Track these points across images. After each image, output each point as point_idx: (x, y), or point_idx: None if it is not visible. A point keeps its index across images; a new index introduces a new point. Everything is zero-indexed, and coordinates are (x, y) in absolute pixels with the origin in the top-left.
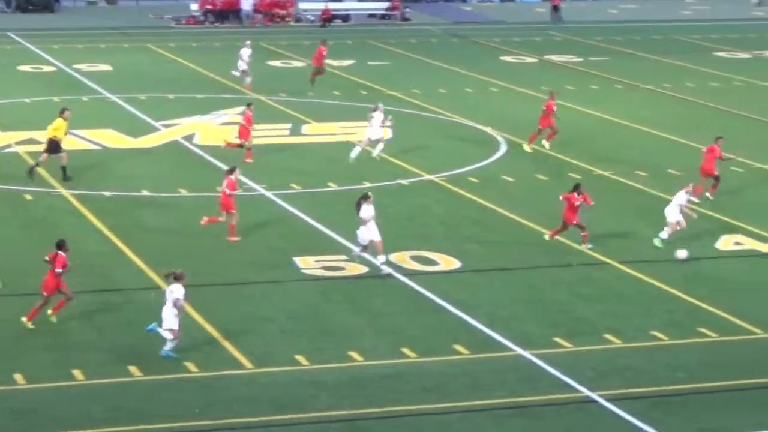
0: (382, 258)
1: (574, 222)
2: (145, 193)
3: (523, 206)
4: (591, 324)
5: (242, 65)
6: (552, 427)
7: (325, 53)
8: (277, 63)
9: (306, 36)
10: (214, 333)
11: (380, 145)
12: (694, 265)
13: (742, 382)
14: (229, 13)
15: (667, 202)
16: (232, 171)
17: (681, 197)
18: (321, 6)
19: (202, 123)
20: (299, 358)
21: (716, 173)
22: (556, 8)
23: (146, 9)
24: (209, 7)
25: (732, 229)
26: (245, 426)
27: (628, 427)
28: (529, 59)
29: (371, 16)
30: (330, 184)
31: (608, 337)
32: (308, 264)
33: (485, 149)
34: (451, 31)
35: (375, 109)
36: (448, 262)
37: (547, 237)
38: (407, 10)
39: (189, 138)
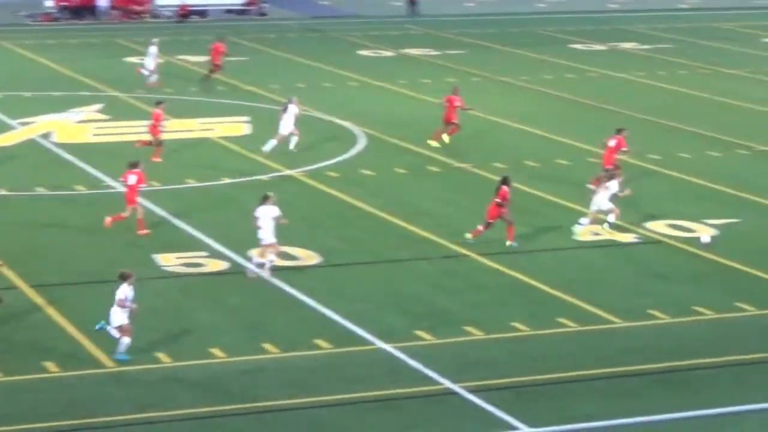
0: (264, 260)
1: (501, 216)
2: (2, 192)
3: (383, 200)
4: (452, 316)
5: (150, 64)
6: (414, 420)
7: (222, 50)
8: (133, 59)
9: (163, 32)
10: (74, 332)
11: (294, 139)
12: (553, 256)
13: (601, 371)
14: (85, 10)
15: (525, 193)
16: (136, 165)
17: (613, 186)
18: (178, 2)
19: (59, 121)
20: (160, 355)
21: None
22: (412, 2)
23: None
24: (65, 3)
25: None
26: (106, 425)
27: (489, 417)
28: (387, 53)
29: (229, 11)
30: (188, 180)
31: (469, 329)
32: (169, 261)
33: (344, 144)
34: (308, 26)
35: (289, 102)
36: (308, 257)
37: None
38: (265, 5)
39: (46, 136)
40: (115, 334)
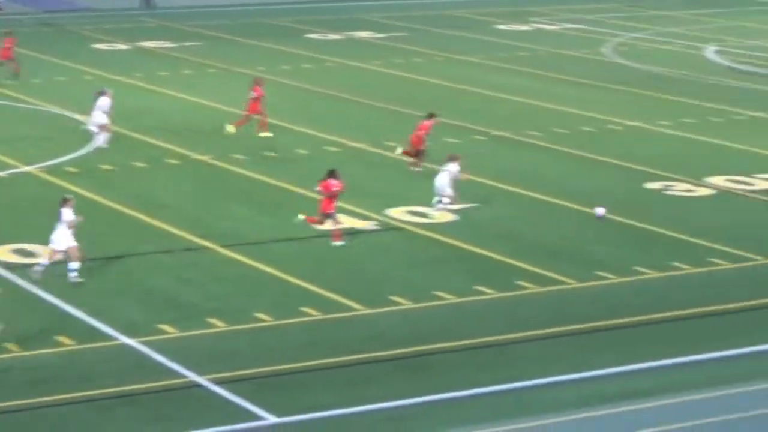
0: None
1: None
2: None
3: (123, 194)
4: (196, 308)
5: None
6: (160, 414)
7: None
8: None
9: None
10: None
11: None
12: (295, 246)
13: (343, 359)
14: None
15: (265, 183)
16: None
17: (453, 168)
18: None
19: None
20: None
21: (422, 147)
22: None
23: None
24: None
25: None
26: None
27: (235, 408)
28: (122, 46)
29: None
30: None
31: (213, 320)
32: None
33: (81, 138)
34: (42, 20)
35: (102, 94)
36: (48, 253)
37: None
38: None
39: None
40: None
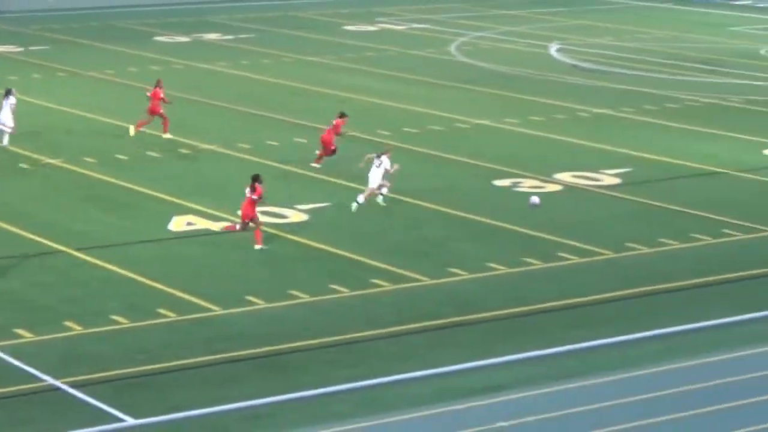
0: None
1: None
2: None
3: None
4: (52, 312)
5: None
6: (16, 418)
7: None
8: None
9: None
10: None
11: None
12: (149, 248)
13: (201, 359)
14: None
15: (117, 185)
16: None
17: (386, 162)
18: None
19: None
20: None
21: (333, 147)
22: None
23: None
24: None
25: (184, 210)
26: None
27: (94, 411)
28: None
29: None
30: None
31: (69, 324)
32: None
33: None
34: None
35: (7, 93)
36: None
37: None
38: None
39: None
40: None
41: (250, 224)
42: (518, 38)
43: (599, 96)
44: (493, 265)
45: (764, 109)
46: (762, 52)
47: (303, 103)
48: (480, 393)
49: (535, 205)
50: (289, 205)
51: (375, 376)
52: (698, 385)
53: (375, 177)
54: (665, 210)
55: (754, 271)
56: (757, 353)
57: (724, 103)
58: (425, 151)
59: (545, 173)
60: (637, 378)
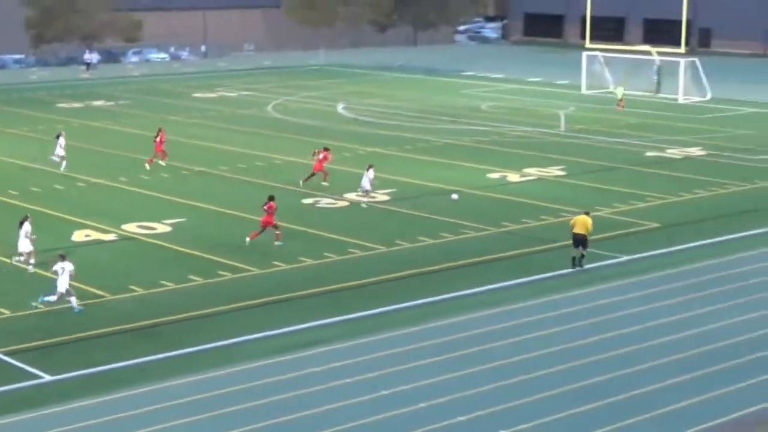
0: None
1: (273, 223)
2: None
3: None
4: None
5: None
6: None
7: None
8: None
9: None
10: None
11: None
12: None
13: (98, 332)
14: None
15: (34, 210)
16: None
17: (371, 173)
18: None
19: None
20: None
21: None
22: None
23: None
24: None
25: (83, 226)
26: None
27: (18, 371)
28: None
29: None
30: None
31: (2, 310)
32: None
33: None
34: None
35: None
36: None
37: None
38: None
39: None
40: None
41: (270, 229)
42: (316, 100)
43: (373, 139)
44: (303, 258)
45: (487, 147)
46: (483, 107)
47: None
48: (303, 347)
49: (455, 200)
50: (158, 220)
51: (228, 338)
52: (442, 340)
53: (364, 181)
54: (421, 217)
55: (483, 258)
56: (473, 317)
57: (458, 143)
58: (253, 180)
59: (338, 193)
60: (406, 334)
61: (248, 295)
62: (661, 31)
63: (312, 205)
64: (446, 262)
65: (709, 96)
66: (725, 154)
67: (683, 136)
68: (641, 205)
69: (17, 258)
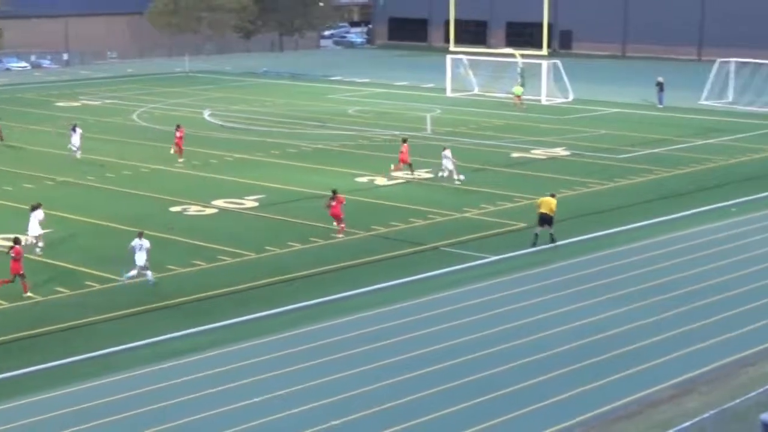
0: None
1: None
2: None
3: None
4: None
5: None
6: None
7: None
8: None
9: None
10: None
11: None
12: None
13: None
14: None
15: None
16: None
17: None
18: None
19: None
20: None
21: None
22: None
23: None
24: None
25: None
26: None
27: None
28: None
29: None
30: None
31: None
32: None
33: None
34: None
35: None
36: None
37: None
38: None
39: None
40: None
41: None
42: (181, 107)
43: (240, 145)
44: (171, 267)
45: (354, 151)
46: (350, 111)
47: (28, 158)
48: (174, 356)
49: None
50: (23, 232)
51: (108, 347)
52: (316, 344)
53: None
54: (291, 222)
55: (354, 262)
56: (346, 321)
57: (326, 147)
58: (120, 189)
59: (205, 201)
60: (278, 339)
61: (119, 305)
62: (523, 34)
63: (180, 212)
64: (317, 267)
65: (571, 97)
66: (588, 153)
67: (547, 137)
68: (509, 205)
69: (29, 240)
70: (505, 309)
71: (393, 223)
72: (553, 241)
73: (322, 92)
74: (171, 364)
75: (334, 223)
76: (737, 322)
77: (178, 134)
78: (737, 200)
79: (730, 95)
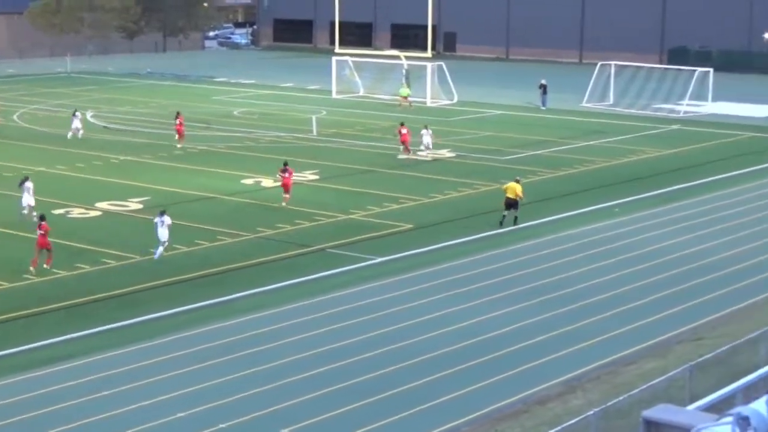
0: None
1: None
2: None
3: None
4: None
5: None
6: None
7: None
8: None
9: None
10: None
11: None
12: None
13: None
14: None
15: None
16: None
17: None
18: None
19: None
20: None
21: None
22: None
23: None
24: None
25: None
26: None
27: None
28: None
29: None
30: None
31: None
32: None
33: None
34: None
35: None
36: None
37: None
38: None
39: None
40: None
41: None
42: (64, 109)
43: (126, 147)
44: (56, 270)
45: (240, 153)
46: (235, 113)
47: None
48: (57, 361)
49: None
50: None
51: None
52: (203, 346)
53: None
54: (176, 225)
55: (240, 264)
56: (235, 323)
57: (212, 149)
58: (3, 192)
59: (89, 203)
60: (165, 342)
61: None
62: (408, 36)
63: (63, 215)
64: (203, 269)
65: (456, 99)
66: (473, 155)
67: (433, 139)
68: (395, 207)
69: (23, 212)
70: (391, 310)
71: (279, 225)
72: (515, 223)
73: (207, 93)
74: (50, 370)
75: (284, 194)
76: (620, 320)
77: (177, 121)
78: (620, 200)
79: (611, 98)
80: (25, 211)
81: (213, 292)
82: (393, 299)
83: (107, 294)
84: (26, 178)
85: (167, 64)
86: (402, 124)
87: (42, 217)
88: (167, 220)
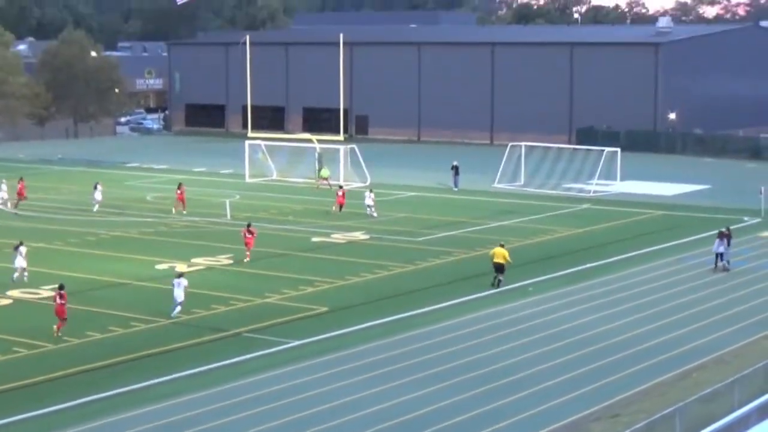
0: None
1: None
2: None
3: None
4: None
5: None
6: None
7: None
8: None
9: None
10: None
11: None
12: None
13: None
14: None
15: None
16: None
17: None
18: None
19: None
20: None
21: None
22: None
23: None
24: None
25: None
26: None
27: None
28: None
29: None
30: None
31: None
32: None
33: None
34: None
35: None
36: None
37: None
38: None
39: None
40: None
41: None
42: None
43: (37, 234)
44: None
45: (154, 238)
46: (148, 198)
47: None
48: None
49: None
50: None
51: None
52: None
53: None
54: (90, 312)
55: (154, 350)
56: (145, 411)
57: (125, 234)
58: None
59: (1, 292)
60: (87, 429)
61: None
62: (320, 120)
63: None
64: (117, 356)
65: (368, 181)
66: (387, 237)
67: (346, 221)
68: (310, 289)
69: (15, 275)
70: (308, 394)
71: (195, 310)
72: (498, 286)
73: (119, 179)
74: None
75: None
76: (537, 399)
77: (179, 192)
78: (534, 279)
79: (522, 178)
80: (17, 274)
81: (127, 380)
82: (309, 383)
83: (16, 384)
84: (20, 243)
85: (79, 150)
86: (341, 187)
87: (61, 287)
88: (184, 281)
